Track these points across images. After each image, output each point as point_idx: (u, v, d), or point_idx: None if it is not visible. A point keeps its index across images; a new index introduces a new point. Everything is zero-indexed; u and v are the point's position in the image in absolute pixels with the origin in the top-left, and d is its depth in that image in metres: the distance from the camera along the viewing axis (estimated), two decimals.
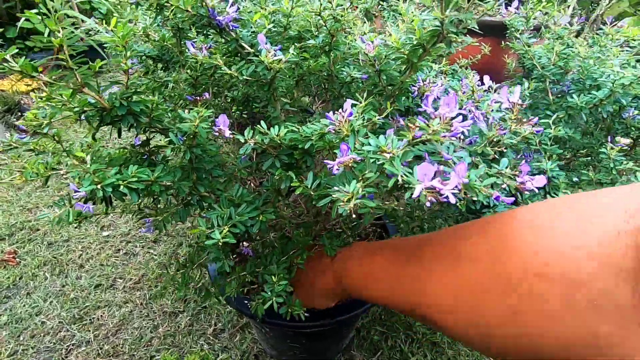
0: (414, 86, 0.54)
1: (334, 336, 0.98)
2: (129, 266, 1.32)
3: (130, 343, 1.10)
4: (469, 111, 0.47)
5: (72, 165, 0.36)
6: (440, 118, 0.32)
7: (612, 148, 0.61)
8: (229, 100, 0.70)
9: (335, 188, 0.32)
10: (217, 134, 0.41)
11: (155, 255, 1.37)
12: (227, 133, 0.41)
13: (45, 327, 1.13)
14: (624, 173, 0.61)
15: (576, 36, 0.79)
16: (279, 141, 0.42)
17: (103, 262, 1.33)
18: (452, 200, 0.29)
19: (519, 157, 0.71)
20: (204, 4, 0.46)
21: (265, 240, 0.65)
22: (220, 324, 1.16)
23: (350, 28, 0.59)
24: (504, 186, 0.37)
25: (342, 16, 0.51)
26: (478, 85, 0.59)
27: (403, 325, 1.19)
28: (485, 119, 0.47)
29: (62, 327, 1.13)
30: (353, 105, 0.39)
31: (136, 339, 1.11)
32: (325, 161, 0.35)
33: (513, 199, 0.36)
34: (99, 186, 0.35)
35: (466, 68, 0.89)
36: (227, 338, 1.13)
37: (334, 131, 0.38)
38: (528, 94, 0.69)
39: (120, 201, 0.38)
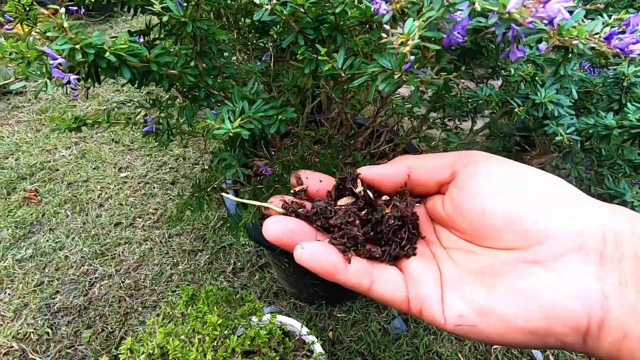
0: None
1: None
2: (147, 206, 1.31)
3: (151, 278, 1.10)
4: None
5: (45, 22, 0.29)
6: None
7: None
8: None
9: (384, 37, 0.24)
10: None
11: (173, 196, 1.35)
12: None
13: (68, 261, 1.14)
14: None
15: None
16: (302, 9, 0.33)
17: (122, 202, 1.32)
18: (566, 15, 0.20)
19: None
20: None
21: (284, 161, 0.58)
22: (239, 263, 1.15)
23: None
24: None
25: None
26: None
27: None
28: None
29: (85, 262, 1.14)
30: None
31: (157, 275, 1.11)
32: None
33: (628, 42, 0.26)
34: (77, 46, 0.28)
35: None
36: (246, 276, 1.12)
37: None
38: None
39: (111, 77, 0.32)
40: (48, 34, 0.29)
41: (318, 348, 0.74)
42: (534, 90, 0.47)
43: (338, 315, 1.02)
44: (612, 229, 0.23)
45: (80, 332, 0.98)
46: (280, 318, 0.79)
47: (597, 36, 0.26)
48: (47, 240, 1.19)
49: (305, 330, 0.79)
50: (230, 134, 0.34)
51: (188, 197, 0.64)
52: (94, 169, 1.45)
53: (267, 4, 0.33)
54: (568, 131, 0.48)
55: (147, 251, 1.17)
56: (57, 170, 1.44)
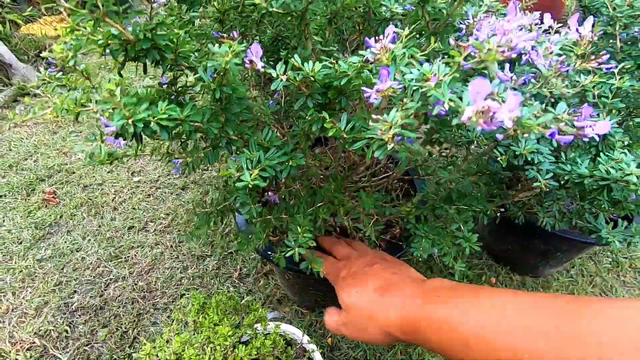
0: (462, 23, 0.48)
1: None
2: (159, 211, 1.37)
3: (162, 281, 1.17)
4: (523, 50, 0.42)
5: (103, 100, 0.35)
6: (496, 35, 0.28)
7: None
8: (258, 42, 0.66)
9: (371, 124, 0.30)
10: (248, 66, 0.38)
11: (184, 201, 1.41)
12: (260, 65, 0.38)
13: (85, 262, 1.21)
14: None
15: None
16: (312, 77, 0.39)
17: (135, 206, 1.38)
18: (509, 124, 0.25)
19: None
20: None
21: (292, 190, 0.64)
22: (245, 269, 1.21)
23: None
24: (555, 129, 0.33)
25: None
26: (537, 25, 0.52)
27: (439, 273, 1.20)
28: (544, 58, 0.41)
29: (100, 263, 1.21)
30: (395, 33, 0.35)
31: (167, 278, 1.18)
32: (362, 88, 0.32)
33: (571, 137, 0.32)
34: (129, 121, 0.34)
35: (522, 10, 0.79)
36: (251, 282, 1.18)
37: (373, 60, 0.34)
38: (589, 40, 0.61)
39: (151, 139, 0.38)
40: (103, 108, 0.35)
41: (318, 356, 0.80)
42: (515, 141, 0.52)
43: None
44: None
45: (97, 330, 1.05)
46: (283, 327, 0.85)
47: (547, 130, 0.32)
48: (65, 242, 1.26)
49: (306, 338, 0.85)
50: (250, 186, 0.40)
51: (202, 214, 0.70)
52: (108, 172, 1.52)
53: (283, 75, 0.39)
54: (546, 177, 0.53)
55: (158, 255, 1.24)
56: (74, 172, 1.51)
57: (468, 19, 0.48)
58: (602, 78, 0.55)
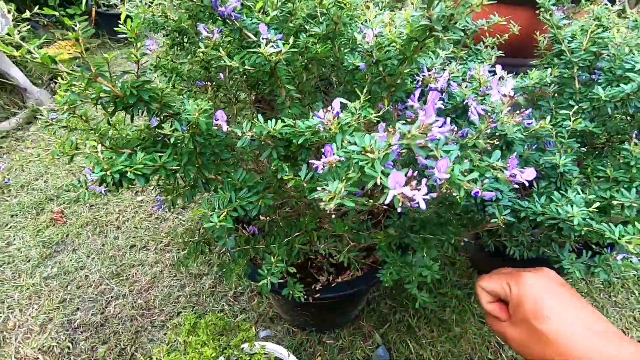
0: (418, 76, 0.53)
1: (341, 308, 1.03)
2: (160, 230, 1.43)
3: (160, 299, 1.22)
4: (467, 105, 0.47)
5: (87, 154, 0.40)
6: (419, 124, 0.33)
7: (635, 144, 0.57)
8: (243, 81, 0.72)
9: (319, 190, 0.34)
10: (215, 127, 0.44)
11: (184, 220, 1.47)
12: (225, 128, 0.44)
13: (88, 280, 1.27)
14: None
15: (618, 16, 0.72)
16: (275, 135, 0.44)
17: (137, 225, 1.45)
18: (423, 206, 0.30)
19: (533, 147, 0.68)
20: None
21: (272, 220, 0.68)
22: (240, 288, 1.26)
23: (359, 13, 0.57)
24: (485, 181, 0.37)
25: (345, 3, 0.50)
26: (492, 74, 0.57)
27: (412, 300, 1.23)
28: (484, 111, 0.46)
29: (103, 281, 1.27)
30: (343, 105, 0.40)
31: (165, 296, 1.23)
32: (311, 162, 0.37)
33: (493, 194, 0.36)
34: (108, 172, 0.39)
35: (492, 48, 0.84)
36: (245, 301, 1.22)
37: (323, 129, 0.39)
38: (549, 82, 0.65)
39: (129, 184, 0.43)
40: (88, 161, 0.40)
41: None
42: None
43: (327, 341, 1.12)
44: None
45: (97, 347, 1.10)
46: (270, 347, 0.89)
47: (476, 185, 0.36)
48: (70, 260, 1.33)
49: (292, 358, 0.89)
50: (217, 226, 0.45)
51: (196, 243, 0.75)
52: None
53: (248, 132, 0.44)
54: (505, 212, 0.57)
55: (157, 273, 1.29)
56: None
57: (424, 72, 0.53)
58: (550, 123, 0.59)
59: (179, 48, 0.78)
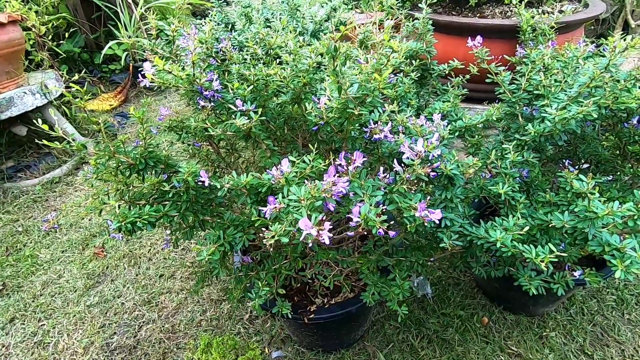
0: (367, 128, 0.65)
1: (343, 328, 1.12)
2: (185, 260, 1.59)
3: (185, 323, 1.36)
4: (400, 152, 0.58)
5: (108, 211, 0.55)
6: (328, 181, 0.44)
7: (569, 172, 0.65)
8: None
9: (264, 230, 0.46)
10: (200, 183, 0.58)
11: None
12: (207, 182, 0.57)
13: (124, 307, 1.44)
14: (581, 196, 0.65)
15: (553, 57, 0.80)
16: (246, 186, 0.57)
17: (166, 256, 1.62)
18: (327, 241, 0.41)
19: (487, 177, 0.76)
20: (195, 82, 0.62)
21: (263, 251, 0.81)
22: (255, 312, 1.37)
23: (320, 77, 0.71)
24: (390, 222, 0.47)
25: (304, 76, 0.63)
26: (430, 121, 0.67)
27: (416, 321, 1.28)
28: (413, 158, 0.56)
29: (136, 308, 1.43)
30: (291, 161, 0.52)
31: (189, 321, 1.37)
32: (260, 208, 0.49)
33: (395, 233, 0.46)
34: (123, 223, 0.54)
35: (458, 87, 0.94)
36: (260, 324, 1.33)
37: (274, 182, 0.52)
38: (495, 119, 0.74)
39: (140, 230, 0.57)
40: (110, 216, 0.55)
41: None
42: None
43: None
44: None
45: None
46: None
47: (386, 224, 0.47)
48: (109, 289, 1.51)
49: None
50: (206, 260, 0.57)
51: (199, 273, 0.89)
52: None
53: (226, 184, 0.58)
54: (453, 238, 0.66)
55: (182, 299, 1.44)
56: None
57: (371, 126, 0.64)
58: (496, 156, 0.68)
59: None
